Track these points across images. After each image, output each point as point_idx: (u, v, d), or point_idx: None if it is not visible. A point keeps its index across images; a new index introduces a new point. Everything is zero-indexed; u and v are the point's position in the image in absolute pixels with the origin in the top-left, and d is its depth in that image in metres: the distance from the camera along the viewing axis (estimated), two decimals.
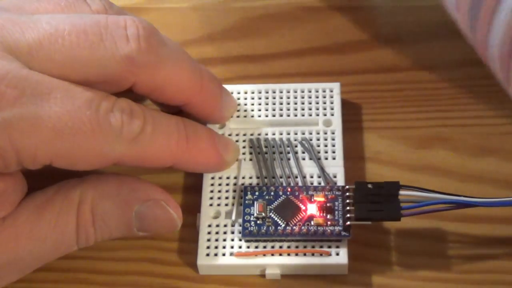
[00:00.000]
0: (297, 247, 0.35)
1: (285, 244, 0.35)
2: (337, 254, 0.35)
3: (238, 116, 0.39)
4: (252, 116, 0.39)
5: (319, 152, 0.38)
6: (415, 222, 0.36)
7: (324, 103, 0.39)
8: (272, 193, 0.36)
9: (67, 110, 0.32)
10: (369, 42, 0.43)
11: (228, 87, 0.39)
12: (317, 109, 0.39)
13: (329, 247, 0.35)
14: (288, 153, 0.38)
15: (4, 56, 0.32)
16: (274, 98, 0.39)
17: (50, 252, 0.34)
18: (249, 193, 0.36)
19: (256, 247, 0.35)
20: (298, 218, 0.35)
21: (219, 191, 0.37)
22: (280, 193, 0.36)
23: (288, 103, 0.39)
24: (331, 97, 0.39)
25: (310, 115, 0.39)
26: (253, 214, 0.35)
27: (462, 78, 0.41)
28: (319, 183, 0.37)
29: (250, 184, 0.37)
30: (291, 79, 0.41)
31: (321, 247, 0.35)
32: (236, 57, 0.43)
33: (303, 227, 0.35)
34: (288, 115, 0.39)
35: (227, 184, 0.37)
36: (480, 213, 0.36)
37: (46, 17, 0.33)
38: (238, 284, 0.35)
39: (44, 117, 0.31)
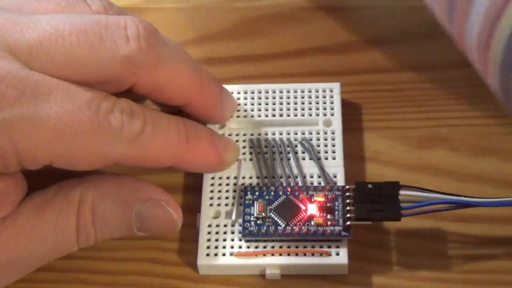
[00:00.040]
0: (297, 247, 0.35)
1: (285, 244, 0.35)
2: (337, 254, 0.35)
3: (238, 116, 0.39)
4: (252, 116, 0.39)
5: (319, 152, 0.38)
6: (415, 222, 0.36)
7: (324, 103, 0.39)
8: (272, 193, 0.36)
9: (67, 110, 0.32)
10: (369, 42, 0.43)
11: (228, 87, 0.39)
12: (317, 109, 0.39)
13: (329, 247, 0.35)
14: (288, 153, 0.38)
15: (4, 56, 0.32)
16: (274, 98, 0.39)
17: (50, 252, 0.34)
18: (249, 193, 0.36)
19: (256, 247, 0.35)
20: (298, 218, 0.35)
21: (219, 191, 0.37)
22: (280, 193, 0.36)
23: (288, 103, 0.39)
24: (331, 97, 0.39)
25: (310, 115, 0.39)
26: (253, 214, 0.35)
27: (462, 78, 0.41)
28: (319, 183, 0.37)
29: (250, 184, 0.37)
30: (291, 79, 0.41)
31: (321, 247, 0.35)
32: (236, 57, 0.43)
33: (303, 227, 0.35)
34: (288, 115, 0.39)
35: (227, 184, 0.37)
36: (480, 213, 0.36)
37: (46, 17, 0.33)
38: (238, 284, 0.35)
39: (44, 117, 0.31)
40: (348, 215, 0.35)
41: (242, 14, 0.44)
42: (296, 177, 0.37)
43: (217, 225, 0.36)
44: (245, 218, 0.35)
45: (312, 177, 0.37)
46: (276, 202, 0.36)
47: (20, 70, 0.32)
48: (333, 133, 0.38)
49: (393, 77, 0.41)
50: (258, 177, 0.37)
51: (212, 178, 0.37)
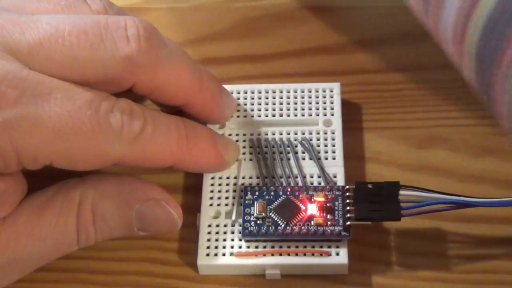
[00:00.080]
0: (297, 247, 0.35)
1: (285, 244, 0.35)
2: (337, 254, 0.35)
3: (238, 116, 0.39)
4: (252, 116, 0.39)
5: (319, 152, 0.38)
6: (415, 222, 0.36)
7: (324, 103, 0.39)
8: (272, 193, 0.36)
9: (67, 110, 0.32)
10: (369, 42, 0.43)
11: (228, 87, 0.39)
12: (317, 109, 0.39)
13: (329, 247, 0.35)
14: (288, 153, 0.38)
15: (4, 57, 0.32)
16: (274, 98, 0.39)
17: (50, 252, 0.34)
18: (249, 193, 0.36)
19: (256, 247, 0.35)
20: (298, 218, 0.35)
21: (219, 191, 0.37)
22: (280, 193, 0.36)
23: (288, 103, 0.39)
24: (331, 97, 0.39)
25: (310, 115, 0.39)
26: (253, 214, 0.35)
27: (462, 78, 0.41)
28: (319, 183, 0.37)
29: (250, 184, 0.37)
30: (291, 79, 0.41)
31: (321, 247, 0.35)
32: (236, 57, 0.43)
33: (303, 227, 0.35)
34: (288, 115, 0.39)
35: (227, 184, 0.37)
36: (480, 213, 0.36)
37: (46, 17, 0.33)
38: (238, 284, 0.35)
39: (45, 117, 0.31)
40: (348, 215, 0.35)
41: (242, 14, 0.44)
42: (296, 177, 0.37)
43: (217, 225, 0.36)
44: (245, 218, 0.35)
45: (312, 177, 0.37)
46: (276, 202, 0.36)
47: (20, 70, 0.32)
48: (333, 133, 0.38)
49: (393, 77, 0.41)
50: (258, 177, 0.37)
51: (212, 178, 0.37)
